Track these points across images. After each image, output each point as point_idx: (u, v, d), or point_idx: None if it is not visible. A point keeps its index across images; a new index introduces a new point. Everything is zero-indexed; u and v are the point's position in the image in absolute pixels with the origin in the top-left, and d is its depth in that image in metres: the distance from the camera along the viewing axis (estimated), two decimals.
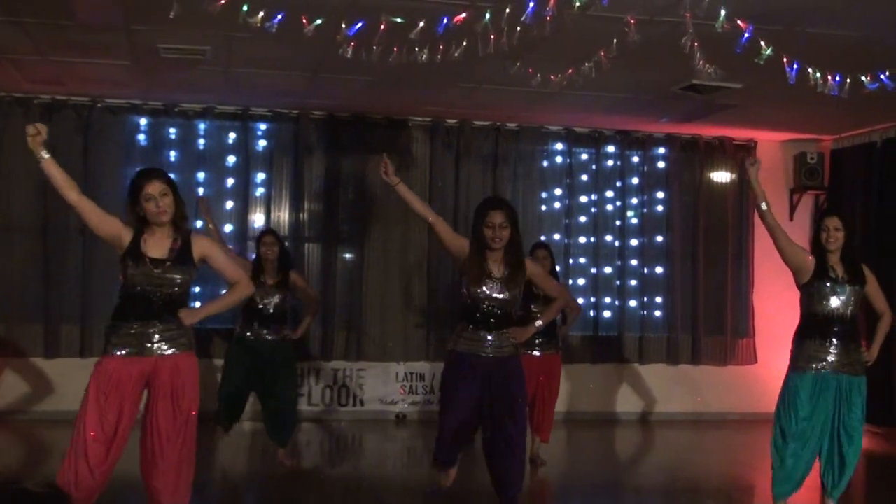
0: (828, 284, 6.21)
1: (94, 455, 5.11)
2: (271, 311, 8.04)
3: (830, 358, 6.19)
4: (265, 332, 8.05)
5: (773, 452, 6.32)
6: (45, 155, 5.06)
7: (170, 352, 5.23)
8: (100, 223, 5.30)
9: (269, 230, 8.57)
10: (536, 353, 8.30)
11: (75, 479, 5.10)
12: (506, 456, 5.94)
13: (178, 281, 5.26)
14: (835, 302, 6.21)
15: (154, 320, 5.22)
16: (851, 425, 6.27)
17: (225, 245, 8.45)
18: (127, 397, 5.18)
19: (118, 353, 5.19)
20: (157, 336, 5.22)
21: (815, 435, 6.25)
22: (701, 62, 6.40)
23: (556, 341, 8.50)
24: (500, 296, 5.91)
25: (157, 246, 5.24)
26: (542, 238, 10.44)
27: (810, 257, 6.32)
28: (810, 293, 6.27)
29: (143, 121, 10.69)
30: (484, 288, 5.88)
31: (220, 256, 5.53)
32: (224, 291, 5.79)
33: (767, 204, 6.28)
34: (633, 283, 11.71)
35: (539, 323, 6.38)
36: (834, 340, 6.19)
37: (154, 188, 5.19)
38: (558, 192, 11.62)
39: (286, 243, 8.91)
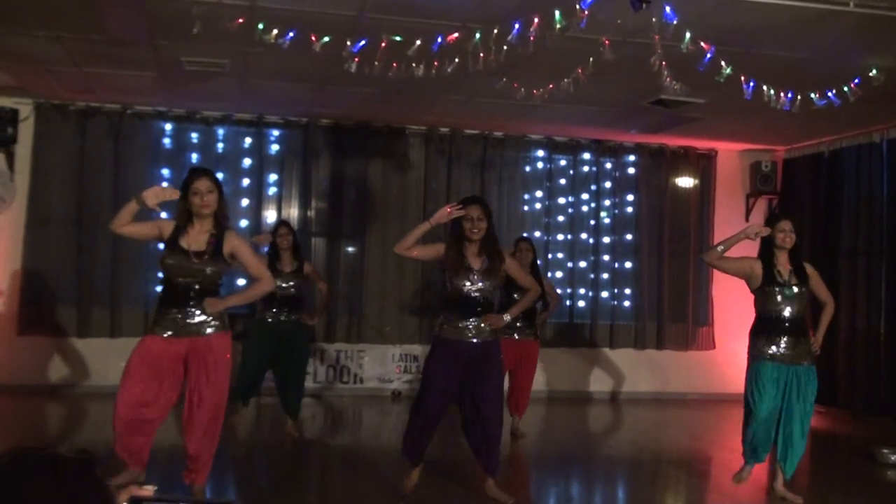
0: (777, 288, 6.22)
1: (130, 411, 5.24)
2: (288, 295, 8.05)
3: (783, 350, 6.20)
4: (283, 314, 8.05)
5: (746, 430, 6.36)
6: (147, 203, 5.19)
7: (206, 333, 5.33)
8: (140, 234, 5.44)
9: (283, 222, 8.56)
10: (515, 336, 8.30)
11: (125, 445, 5.27)
12: (484, 432, 5.92)
13: (209, 272, 5.34)
14: (785, 303, 6.21)
15: (191, 306, 5.31)
16: (804, 410, 6.28)
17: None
18: (167, 372, 5.32)
19: (161, 334, 5.31)
20: (194, 320, 5.33)
21: (775, 416, 6.28)
22: (668, 79, 6.42)
23: (533, 328, 8.49)
24: (480, 285, 5.86)
25: (196, 239, 5.34)
26: (524, 235, 10.42)
27: (756, 262, 6.33)
28: (762, 296, 6.27)
29: (167, 126, 10.69)
30: (465, 280, 5.83)
31: (247, 254, 5.58)
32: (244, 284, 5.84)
33: (724, 249, 6.29)
34: (605, 276, 11.73)
35: (507, 317, 6.13)
36: (785, 336, 6.21)
37: (202, 185, 5.33)
38: (539, 194, 11.64)
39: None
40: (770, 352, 6.20)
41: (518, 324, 8.23)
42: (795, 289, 6.23)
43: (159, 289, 5.68)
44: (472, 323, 5.86)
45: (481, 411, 5.89)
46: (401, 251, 5.82)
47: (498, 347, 6.05)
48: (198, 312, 5.32)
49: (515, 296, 7.90)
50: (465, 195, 10.54)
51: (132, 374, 5.24)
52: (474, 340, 5.87)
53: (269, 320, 8.05)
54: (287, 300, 8.04)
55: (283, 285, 7.94)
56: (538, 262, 8.83)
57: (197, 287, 5.31)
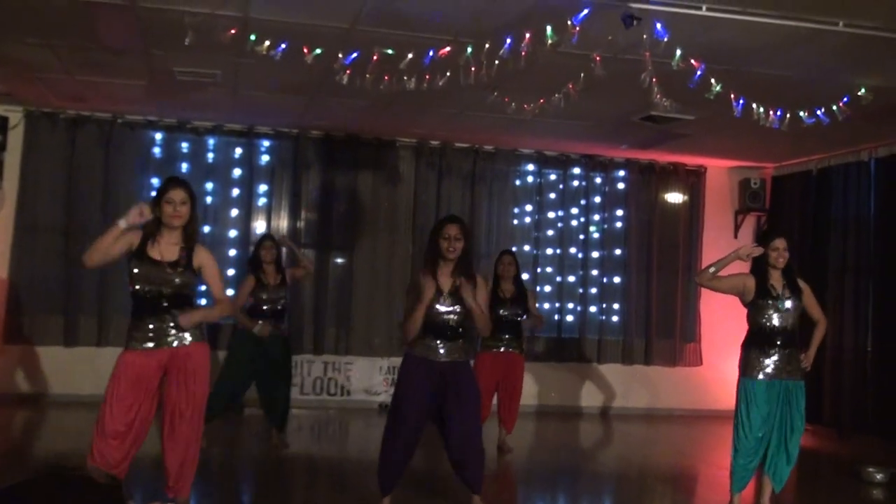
0: (770, 301, 6.23)
1: (116, 436, 5.18)
2: (275, 308, 8.04)
3: (775, 365, 6.20)
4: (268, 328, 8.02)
5: (733, 451, 6.33)
6: (123, 225, 5.17)
7: (186, 342, 5.29)
8: (115, 250, 5.32)
9: (268, 235, 8.55)
10: (501, 349, 8.30)
11: (102, 458, 5.15)
12: (465, 451, 5.87)
13: (178, 283, 5.30)
14: (777, 315, 6.22)
15: (166, 315, 5.26)
16: (794, 425, 6.28)
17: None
18: (147, 386, 5.27)
19: (138, 347, 5.25)
20: (171, 329, 5.28)
21: (766, 434, 6.27)
22: (658, 96, 6.44)
23: (520, 342, 8.46)
24: (451, 309, 5.81)
25: (167, 250, 5.30)
26: (514, 248, 10.43)
27: (748, 278, 6.34)
28: (755, 310, 6.28)
29: (158, 135, 10.67)
30: (436, 304, 5.78)
31: (213, 272, 5.51)
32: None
33: (715, 270, 6.29)
34: (594, 290, 11.73)
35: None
36: (778, 350, 6.22)
37: (177, 195, 5.30)
38: (529, 208, 11.65)
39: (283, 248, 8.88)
40: (762, 367, 6.21)
41: (505, 336, 8.24)
42: (788, 302, 6.24)
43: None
44: (440, 343, 5.82)
45: (461, 431, 5.83)
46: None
47: (468, 367, 6.01)
48: (173, 322, 5.27)
49: (501, 311, 8.02)
50: (455, 208, 10.69)
51: (118, 401, 5.15)
52: (443, 360, 5.82)
53: (254, 333, 8.00)
54: (272, 314, 8.03)
55: (269, 299, 7.95)
56: (524, 275, 8.84)
57: (168, 296, 5.26)
